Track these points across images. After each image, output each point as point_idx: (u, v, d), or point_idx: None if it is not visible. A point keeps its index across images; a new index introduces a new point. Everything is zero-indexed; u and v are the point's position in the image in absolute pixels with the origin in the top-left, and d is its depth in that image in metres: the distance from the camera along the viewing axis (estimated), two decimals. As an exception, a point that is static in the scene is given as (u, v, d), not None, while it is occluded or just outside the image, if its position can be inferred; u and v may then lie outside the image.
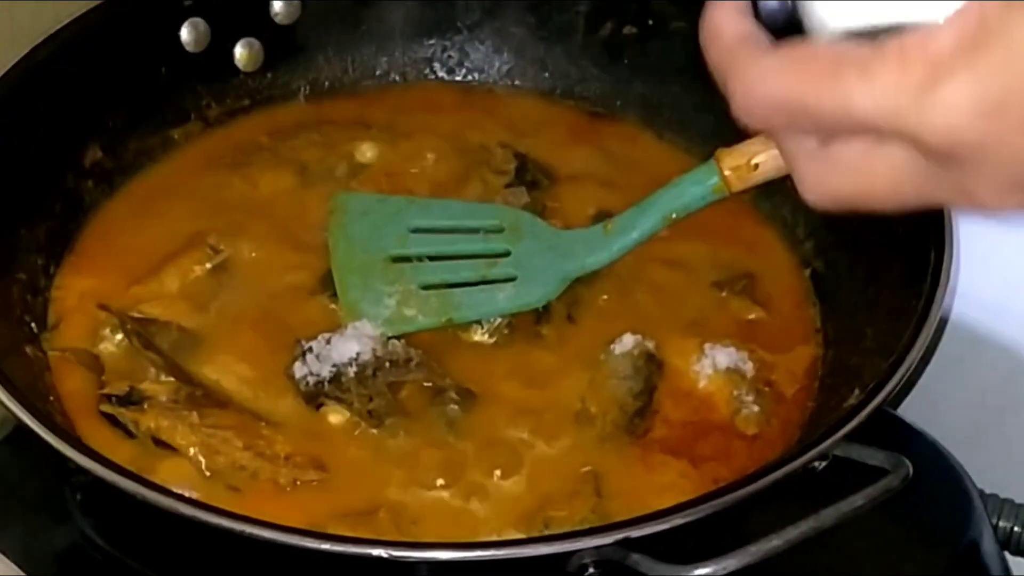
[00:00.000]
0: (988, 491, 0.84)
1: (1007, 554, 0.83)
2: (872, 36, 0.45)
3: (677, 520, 0.62)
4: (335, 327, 0.78)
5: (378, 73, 0.98)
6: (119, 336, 0.78)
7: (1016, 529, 0.83)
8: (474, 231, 0.84)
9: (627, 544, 0.61)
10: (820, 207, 0.50)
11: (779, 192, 0.86)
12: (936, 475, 0.81)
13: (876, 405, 0.67)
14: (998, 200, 0.44)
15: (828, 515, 0.63)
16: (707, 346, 0.80)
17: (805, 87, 0.45)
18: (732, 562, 0.61)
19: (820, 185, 0.48)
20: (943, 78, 0.41)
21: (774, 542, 0.62)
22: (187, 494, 0.67)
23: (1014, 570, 0.81)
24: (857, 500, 0.64)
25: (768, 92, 0.47)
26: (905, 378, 0.69)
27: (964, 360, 0.90)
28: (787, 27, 0.48)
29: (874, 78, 0.43)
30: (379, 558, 0.61)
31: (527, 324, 0.81)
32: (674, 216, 0.80)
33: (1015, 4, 0.40)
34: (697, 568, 0.61)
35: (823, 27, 0.47)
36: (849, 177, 0.47)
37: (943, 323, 0.87)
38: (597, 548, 0.61)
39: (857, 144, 0.46)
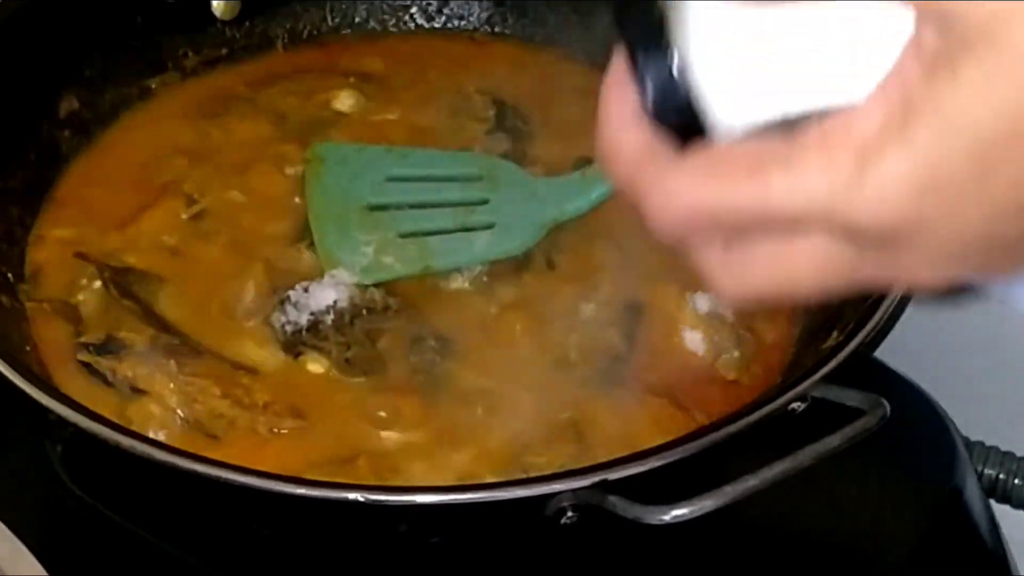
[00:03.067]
0: (974, 439, 0.84)
1: (992, 502, 0.83)
2: (785, 127, 0.41)
3: (655, 462, 0.62)
4: (313, 276, 0.78)
5: (357, 21, 0.98)
6: (96, 285, 0.78)
7: (1002, 477, 0.83)
8: (452, 179, 0.84)
9: (604, 487, 0.61)
10: (741, 306, 0.48)
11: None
12: (919, 421, 0.82)
13: (855, 347, 0.67)
14: (934, 273, 0.42)
15: (805, 455, 0.63)
16: (688, 293, 0.79)
17: (723, 194, 0.41)
18: (709, 503, 0.61)
19: (739, 286, 0.44)
20: (874, 161, 0.39)
21: (751, 482, 0.62)
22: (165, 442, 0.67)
23: (999, 518, 0.81)
24: (834, 440, 0.64)
25: (684, 206, 0.42)
26: (884, 319, 0.69)
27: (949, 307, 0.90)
28: (685, 125, 0.42)
29: (798, 172, 0.40)
30: (356, 502, 0.61)
31: (506, 272, 0.81)
32: (653, 162, 0.80)
33: (938, 74, 0.38)
34: (674, 509, 0.61)
35: (729, 125, 0.41)
36: (770, 273, 0.43)
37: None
38: (574, 491, 0.61)
39: (777, 238, 0.42)
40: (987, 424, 0.86)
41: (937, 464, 0.81)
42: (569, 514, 0.61)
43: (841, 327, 0.70)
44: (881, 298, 0.70)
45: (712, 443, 0.63)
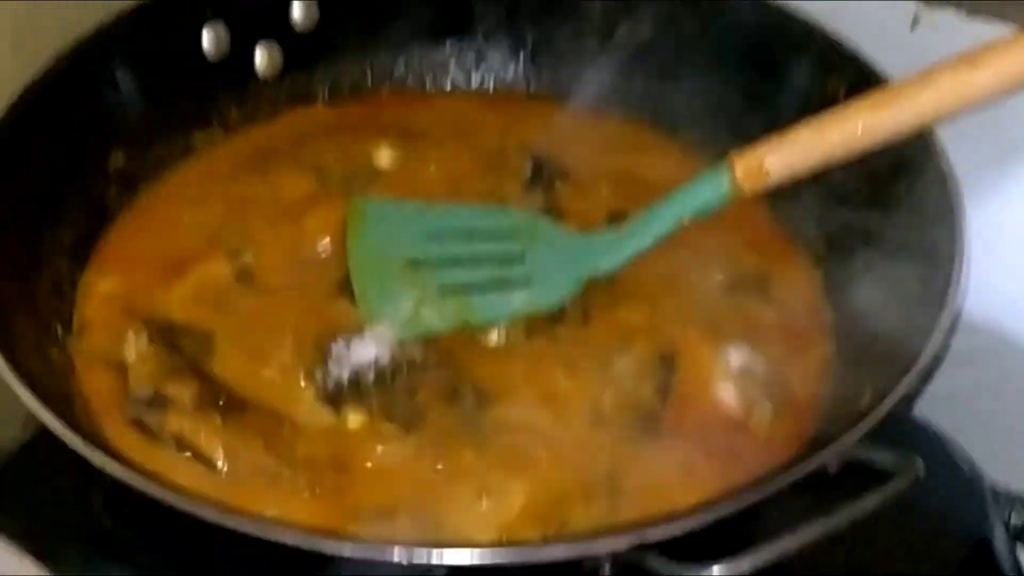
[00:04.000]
0: (1001, 486, 0.85)
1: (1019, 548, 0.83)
2: None
3: (692, 522, 0.63)
4: (354, 330, 0.79)
5: (396, 77, 1.00)
6: (143, 339, 0.79)
7: (1028, 525, 0.83)
8: (489, 235, 0.85)
9: (643, 545, 0.62)
10: None
11: (791, 194, 0.86)
12: (947, 471, 0.82)
13: (888, 408, 0.68)
14: None
15: (841, 516, 0.64)
16: (721, 347, 0.81)
17: None
18: (746, 563, 0.62)
19: None
20: None
21: (788, 542, 0.63)
22: (209, 496, 0.69)
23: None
24: (869, 501, 0.65)
25: None
26: (918, 380, 0.70)
27: (976, 355, 0.90)
28: None
29: None
30: (397, 559, 0.62)
31: (543, 325, 0.82)
32: (687, 219, 0.81)
33: None
34: (712, 568, 0.62)
35: None
36: None
37: (955, 319, 0.87)
38: (613, 551, 0.62)
39: None
40: (1012, 471, 0.86)
41: (965, 515, 0.82)
42: (606, 570, 0.62)
43: (874, 387, 0.71)
44: (915, 358, 0.70)
45: (750, 503, 0.64)
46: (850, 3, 0.91)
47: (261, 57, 0.95)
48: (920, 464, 0.67)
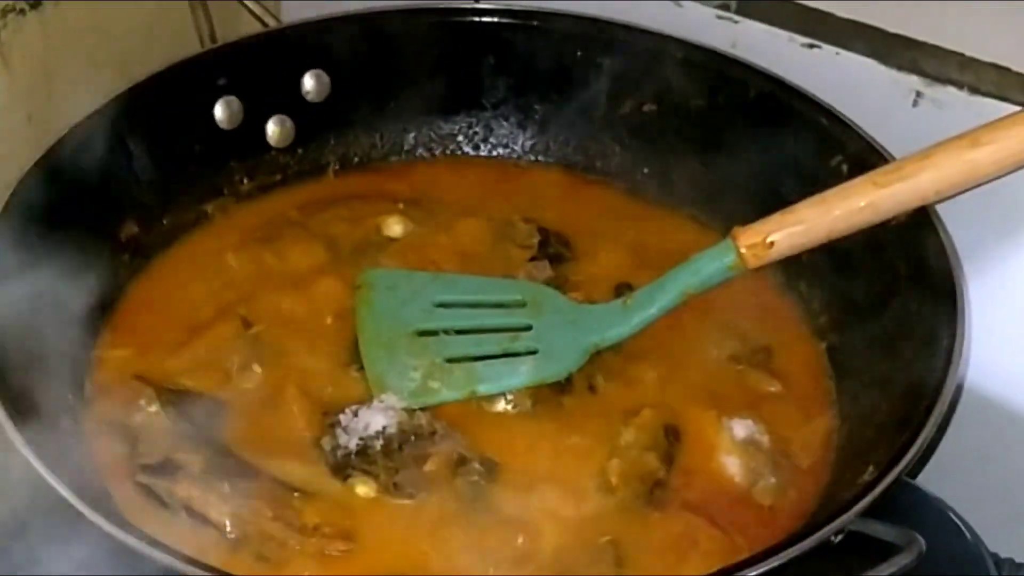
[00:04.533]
0: (1003, 555, 0.85)
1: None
2: None
3: (695, 596, 0.64)
4: (363, 400, 0.80)
5: (406, 148, 1.01)
6: (154, 407, 0.80)
7: (1030, 595, 0.83)
8: (497, 305, 0.86)
9: (646, 619, 0.63)
10: None
11: (795, 266, 0.87)
12: (950, 542, 0.82)
13: (890, 482, 0.68)
14: None
15: (846, 592, 0.65)
16: (725, 418, 0.81)
17: None
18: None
19: None
20: None
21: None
22: (217, 564, 0.69)
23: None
24: (874, 577, 0.65)
25: None
26: (919, 454, 0.70)
27: (978, 426, 0.91)
28: None
29: None
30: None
31: (550, 395, 0.82)
32: (691, 292, 0.83)
33: None
34: (716, 643, 0.62)
35: None
36: None
37: (958, 391, 0.88)
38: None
39: None
40: (1014, 539, 0.87)
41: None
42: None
43: (876, 460, 0.71)
44: (916, 433, 0.71)
45: (752, 576, 0.65)
46: (854, 80, 0.92)
47: (273, 128, 0.96)
48: (921, 541, 0.67)
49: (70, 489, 0.68)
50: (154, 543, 0.66)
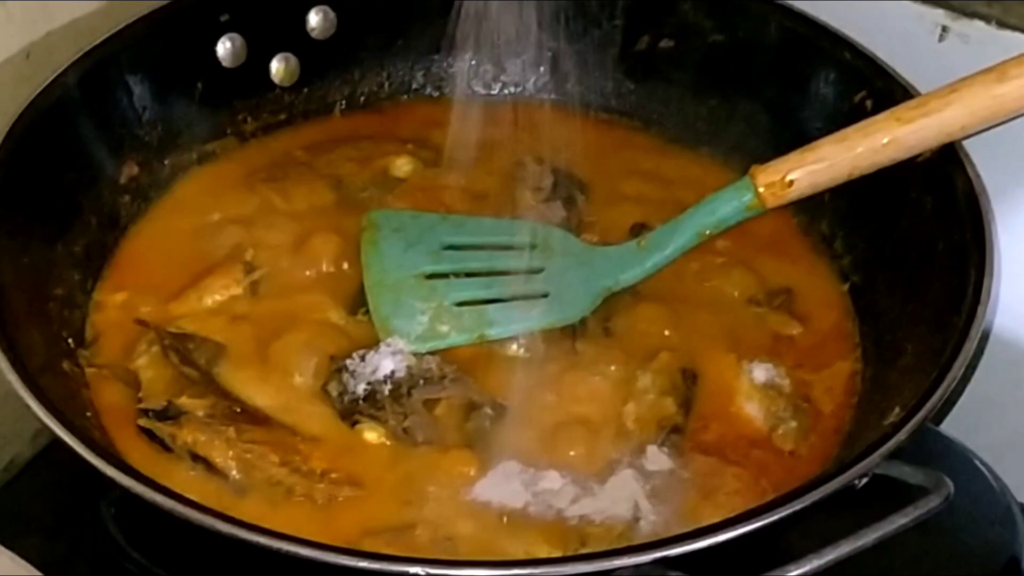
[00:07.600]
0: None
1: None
2: None
3: (715, 539, 0.62)
4: (370, 344, 0.78)
5: (414, 87, 0.99)
6: (156, 351, 0.78)
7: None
8: (508, 248, 0.84)
9: (665, 562, 0.61)
10: None
11: (816, 206, 0.86)
12: (976, 490, 0.81)
13: (917, 423, 0.67)
14: None
15: (869, 535, 0.63)
16: (744, 361, 0.80)
17: None
18: (772, 583, 0.61)
19: None
20: None
21: (815, 563, 0.61)
22: (223, 509, 0.67)
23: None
24: (898, 520, 0.63)
25: None
26: (946, 395, 0.69)
27: (1005, 373, 0.90)
28: None
29: None
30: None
31: (562, 339, 0.81)
32: (708, 232, 0.81)
33: None
34: (735, 588, 0.61)
35: None
36: None
37: (984, 337, 0.86)
38: (635, 567, 0.61)
39: None
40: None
41: (995, 534, 0.80)
42: (627, 589, 0.61)
43: (902, 403, 0.69)
44: (944, 373, 0.69)
45: (773, 520, 0.63)
46: (878, 14, 0.90)
47: (277, 66, 0.94)
48: (949, 483, 0.65)
49: (70, 433, 0.66)
50: (158, 487, 0.64)
